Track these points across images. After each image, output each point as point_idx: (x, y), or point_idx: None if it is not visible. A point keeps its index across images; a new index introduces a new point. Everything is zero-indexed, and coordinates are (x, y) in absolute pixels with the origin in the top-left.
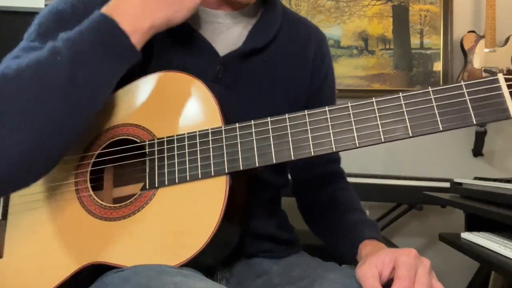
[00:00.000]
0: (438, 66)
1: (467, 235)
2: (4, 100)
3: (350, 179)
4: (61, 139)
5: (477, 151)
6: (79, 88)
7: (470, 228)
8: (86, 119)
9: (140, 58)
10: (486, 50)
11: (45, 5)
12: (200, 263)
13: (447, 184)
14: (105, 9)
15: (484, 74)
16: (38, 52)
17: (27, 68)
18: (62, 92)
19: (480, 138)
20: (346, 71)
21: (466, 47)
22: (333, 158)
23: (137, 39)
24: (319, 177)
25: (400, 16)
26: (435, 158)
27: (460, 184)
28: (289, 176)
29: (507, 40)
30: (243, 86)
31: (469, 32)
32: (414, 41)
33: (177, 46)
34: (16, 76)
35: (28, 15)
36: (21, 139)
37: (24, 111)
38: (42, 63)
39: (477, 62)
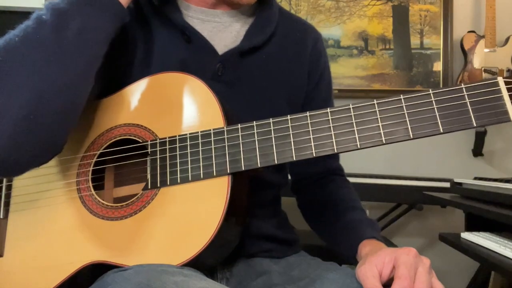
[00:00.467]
0: (438, 66)
1: (467, 235)
2: None
3: (350, 179)
4: (61, 97)
5: (477, 151)
6: (68, 41)
7: (470, 228)
8: (83, 75)
9: (127, 17)
10: (486, 50)
11: None
12: (201, 263)
13: (447, 184)
14: None
15: (484, 74)
16: (25, 22)
17: (15, 33)
18: (51, 47)
19: (480, 138)
20: (346, 71)
21: (466, 47)
22: (332, 155)
23: None
24: (318, 174)
25: (400, 16)
26: (435, 158)
27: (460, 184)
28: (288, 175)
29: (507, 40)
30: (242, 84)
31: (469, 32)
32: (414, 41)
33: (176, 45)
34: (7, 42)
35: (28, 15)
36: (19, 97)
37: (19, 71)
38: (28, 26)
39: (477, 62)
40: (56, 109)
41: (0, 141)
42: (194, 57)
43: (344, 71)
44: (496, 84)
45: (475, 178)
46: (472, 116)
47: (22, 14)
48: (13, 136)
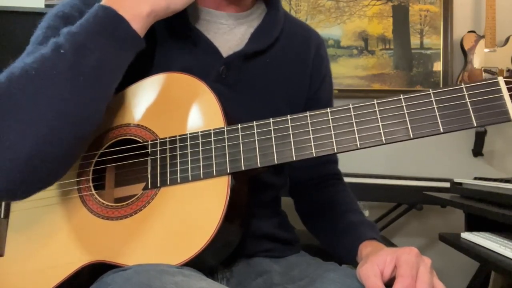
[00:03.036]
0: (438, 66)
1: (467, 235)
2: (13, 97)
3: (350, 179)
4: (73, 131)
5: (477, 151)
6: (84, 78)
7: (470, 228)
8: (96, 109)
9: (144, 45)
10: (486, 50)
11: (45, 5)
12: (201, 263)
13: (447, 184)
14: (103, 1)
15: (484, 74)
16: (41, 50)
17: (31, 64)
18: (68, 84)
19: (480, 138)
20: (346, 71)
21: (466, 47)
22: (331, 159)
23: (138, 25)
24: (316, 178)
25: (400, 16)
26: (435, 158)
27: (460, 184)
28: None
29: (507, 40)
30: (245, 87)
31: (469, 32)
32: (414, 41)
33: (180, 46)
34: (23, 73)
35: (28, 15)
36: (33, 133)
37: (33, 106)
38: (46, 58)
39: (477, 62)
40: (69, 141)
41: (10, 176)
42: (198, 59)
43: (344, 71)
44: (497, 83)
45: (475, 178)
46: (473, 116)
47: (22, 14)
48: (24, 171)
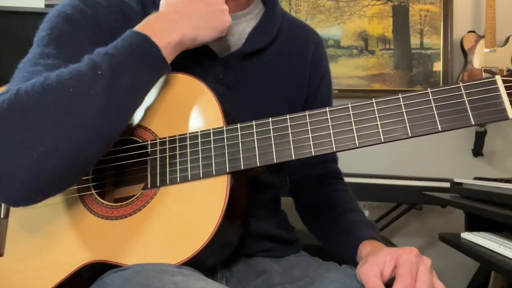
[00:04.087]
0: (438, 66)
1: (467, 235)
2: (47, 111)
3: (350, 179)
4: (94, 152)
5: (477, 151)
6: (116, 100)
7: (470, 228)
8: (121, 129)
9: (170, 71)
10: (486, 50)
11: (45, 5)
12: (200, 262)
13: (447, 184)
14: (137, 27)
15: (484, 74)
16: (77, 65)
17: (69, 80)
18: (101, 104)
19: (480, 138)
20: (346, 71)
21: (466, 47)
22: (331, 158)
23: (168, 53)
24: (316, 177)
25: (400, 16)
26: (435, 158)
27: (460, 184)
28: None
29: (507, 40)
30: (243, 86)
31: (469, 32)
32: (414, 41)
33: None
34: (59, 87)
35: (28, 15)
36: (61, 149)
37: (66, 122)
38: (83, 76)
39: (477, 62)
40: (93, 157)
41: (34, 186)
42: (196, 59)
43: (344, 71)
44: (494, 82)
45: (475, 178)
46: (471, 114)
47: (22, 14)
48: (47, 182)
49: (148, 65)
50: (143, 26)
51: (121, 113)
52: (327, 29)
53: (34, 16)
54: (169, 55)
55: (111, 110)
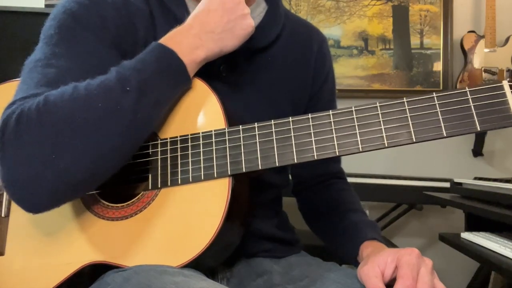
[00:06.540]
0: (438, 66)
1: (467, 235)
2: (75, 123)
3: (350, 179)
4: (116, 164)
5: (477, 151)
6: (142, 116)
7: (470, 228)
8: (140, 144)
9: (190, 87)
10: (486, 50)
11: (45, 5)
12: (201, 264)
13: (447, 184)
14: (163, 40)
15: (484, 74)
16: (105, 78)
17: (97, 94)
18: (127, 120)
19: (480, 138)
20: (346, 71)
21: (466, 47)
22: (334, 158)
23: (191, 69)
24: (319, 176)
25: (400, 16)
26: (435, 158)
27: (460, 184)
28: (290, 177)
29: (507, 40)
30: (245, 85)
31: (469, 32)
32: (414, 41)
33: None
34: (88, 100)
35: (28, 15)
36: (86, 163)
37: (92, 136)
38: (111, 91)
39: (477, 62)
40: (114, 168)
41: (57, 195)
42: None
43: (344, 71)
44: (501, 87)
45: (475, 178)
46: (476, 120)
47: (22, 14)
48: (69, 193)
49: (173, 82)
50: (169, 40)
51: (145, 129)
52: (327, 29)
53: (34, 16)
54: (191, 72)
55: (137, 127)
